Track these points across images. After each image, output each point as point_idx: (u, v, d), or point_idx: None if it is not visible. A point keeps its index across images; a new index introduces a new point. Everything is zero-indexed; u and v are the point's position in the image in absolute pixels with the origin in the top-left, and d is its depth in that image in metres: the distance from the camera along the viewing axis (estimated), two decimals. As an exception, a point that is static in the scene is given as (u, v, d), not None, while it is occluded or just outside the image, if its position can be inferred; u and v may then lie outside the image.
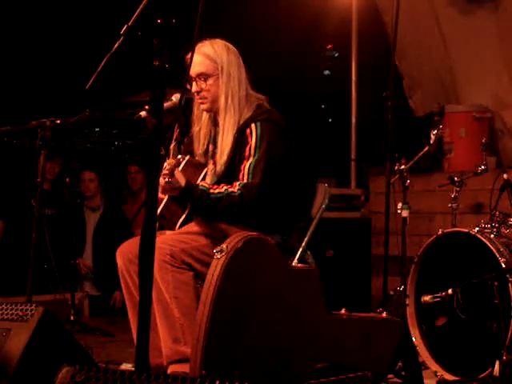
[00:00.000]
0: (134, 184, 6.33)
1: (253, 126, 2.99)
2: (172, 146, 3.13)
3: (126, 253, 3.02)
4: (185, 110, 3.24)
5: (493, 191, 3.89)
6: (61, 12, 6.84)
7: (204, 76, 3.06)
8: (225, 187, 2.93)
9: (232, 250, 2.45)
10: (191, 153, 3.24)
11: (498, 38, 5.68)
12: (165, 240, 2.87)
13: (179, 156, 2.91)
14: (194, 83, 3.09)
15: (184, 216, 3.08)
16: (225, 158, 3.01)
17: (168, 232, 3.13)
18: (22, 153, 6.95)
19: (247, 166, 2.94)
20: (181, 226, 3.08)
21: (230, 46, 3.11)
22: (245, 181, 2.92)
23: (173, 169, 2.83)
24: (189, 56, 2.74)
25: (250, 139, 2.97)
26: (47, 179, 5.55)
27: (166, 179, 2.80)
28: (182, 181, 2.90)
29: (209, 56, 3.05)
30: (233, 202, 2.89)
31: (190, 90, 3.12)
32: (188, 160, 3.20)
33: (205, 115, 3.18)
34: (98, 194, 6.03)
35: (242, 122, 3.03)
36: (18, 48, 6.91)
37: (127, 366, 3.13)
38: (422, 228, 5.19)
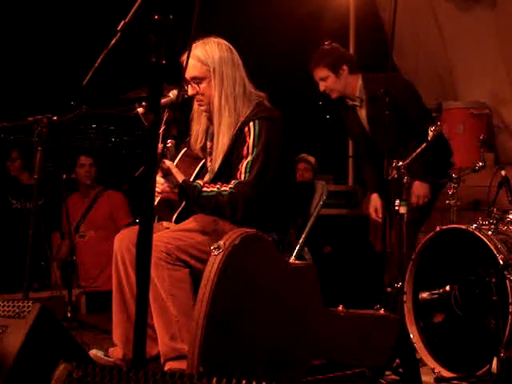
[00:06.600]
0: (86, 178, 5.66)
1: (251, 124, 2.98)
2: (169, 145, 3.13)
3: (125, 240, 3.02)
4: (184, 107, 3.24)
5: (491, 188, 3.89)
6: (57, 7, 6.83)
7: (197, 79, 3.05)
8: (218, 185, 2.94)
9: (229, 246, 2.45)
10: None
11: (496, 35, 5.68)
12: (160, 237, 2.86)
13: (168, 140, 2.92)
14: (189, 86, 3.08)
15: (181, 208, 3.09)
16: (219, 160, 3.02)
17: (165, 223, 3.13)
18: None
19: (244, 165, 2.94)
20: (177, 218, 3.08)
21: (223, 42, 3.07)
22: (241, 179, 2.92)
23: (162, 159, 2.85)
24: (184, 58, 2.73)
25: (247, 138, 2.97)
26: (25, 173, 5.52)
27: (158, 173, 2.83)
28: (180, 177, 2.93)
29: (200, 59, 3.02)
30: (222, 201, 2.90)
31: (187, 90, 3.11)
32: (185, 152, 3.21)
33: (204, 112, 3.18)
34: (94, 183, 5.71)
35: (240, 120, 3.02)
36: (14, 44, 6.89)
37: (98, 353, 3.10)
38: (419, 225, 5.17)
